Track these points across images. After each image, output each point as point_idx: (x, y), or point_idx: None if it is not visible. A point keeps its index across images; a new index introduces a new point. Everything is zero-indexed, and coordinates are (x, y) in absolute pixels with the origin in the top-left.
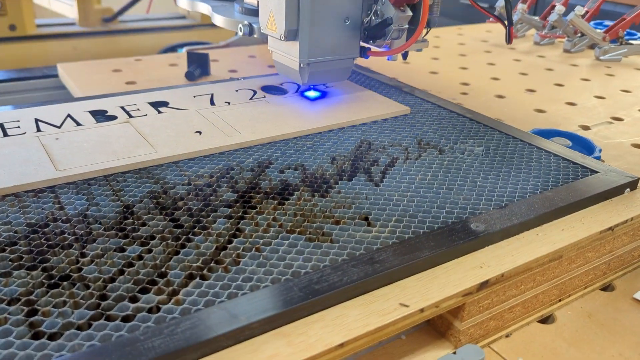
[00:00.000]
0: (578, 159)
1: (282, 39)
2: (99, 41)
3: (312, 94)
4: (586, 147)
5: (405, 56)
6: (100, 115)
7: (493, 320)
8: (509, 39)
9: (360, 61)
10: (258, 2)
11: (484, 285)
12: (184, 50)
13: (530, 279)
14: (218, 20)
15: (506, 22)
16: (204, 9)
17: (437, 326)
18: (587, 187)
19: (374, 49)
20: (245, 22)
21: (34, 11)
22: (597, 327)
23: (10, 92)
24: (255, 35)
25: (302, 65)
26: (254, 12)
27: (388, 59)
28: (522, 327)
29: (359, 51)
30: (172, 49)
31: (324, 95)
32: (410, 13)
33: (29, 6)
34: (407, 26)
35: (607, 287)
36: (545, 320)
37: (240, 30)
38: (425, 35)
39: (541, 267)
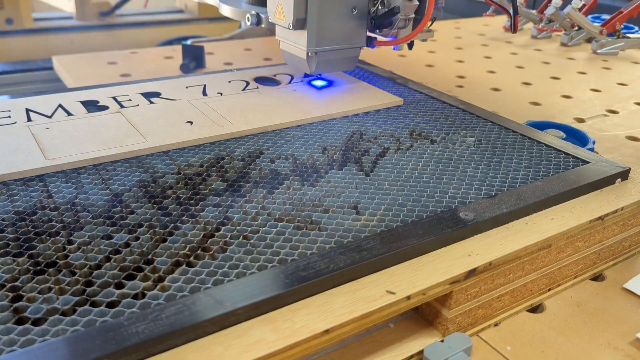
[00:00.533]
0: (570, 150)
1: (290, 28)
2: (96, 35)
3: (319, 82)
4: (580, 139)
5: (410, 46)
6: (92, 106)
7: (481, 309)
8: (514, 28)
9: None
10: None
11: (471, 273)
12: (190, 42)
13: (519, 267)
14: (225, 10)
15: (511, 11)
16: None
17: (425, 314)
18: (577, 176)
19: (380, 38)
20: (253, 12)
21: (32, 5)
22: (587, 316)
23: (4, 84)
24: (262, 25)
25: (309, 54)
26: (261, 2)
27: (394, 49)
28: (511, 316)
29: (366, 40)
30: (170, 42)
31: (330, 84)
32: (416, 2)
33: (26, 0)
34: (413, 15)
35: (597, 277)
36: (535, 309)
37: (248, 20)
38: (430, 25)
39: (530, 256)
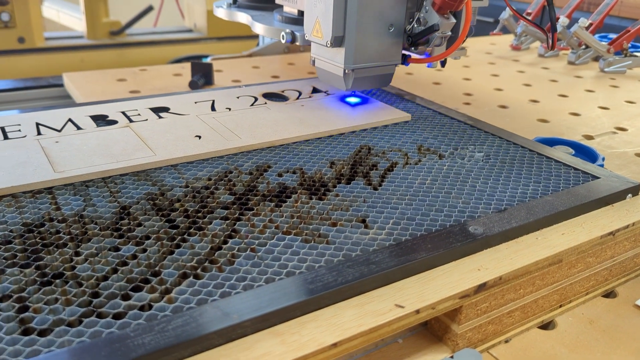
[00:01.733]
0: (580, 165)
1: (328, 46)
2: (106, 53)
3: (352, 100)
4: (589, 155)
5: (443, 63)
6: (101, 120)
7: (492, 324)
8: (552, 45)
9: None
10: (297, 10)
11: (481, 287)
12: (209, 59)
13: (529, 283)
14: (259, 28)
15: (543, 28)
16: (243, 18)
17: (434, 330)
18: (588, 192)
19: (414, 56)
20: (287, 30)
21: (43, 24)
22: (599, 333)
23: (16, 101)
24: (297, 43)
25: (346, 71)
26: (294, 20)
27: (428, 66)
28: (521, 333)
29: (401, 58)
30: (179, 61)
31: (365, 101)
32: (453, 21)
33: (38, 19)
34: (449, 34)
35: (609, 294)
36: (546, 326)
37: (283, 38)
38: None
39: (540, 271)
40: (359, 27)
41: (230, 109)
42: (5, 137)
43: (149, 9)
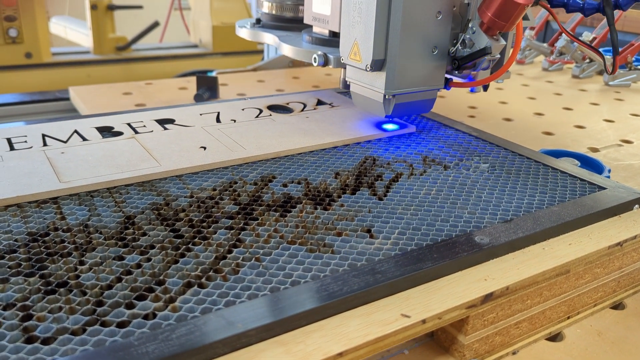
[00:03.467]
0: (586, 176)
1: (368, 70)
2: (112, 68)
3: (390, 126)
4: (595, 167)
5: (486, 88)
6: (107, 132)
7: (499, 335)
8: (613, 69)
9: None
10: (329, 30)
11: (488, 297)
12: (215, 73)
13: (536, 293)
14: (287, 50)
15: (599, 51)
16: (270, 39)
17: (440, 341)
18: (594, 202)
19: (456, 79)
20: (320, 52)
21: (50, 40)
22: (608, 345)
23: (22, 114)
24: (330, 66)
25: (387, 96)
26: (324, 41)
27: (471, 91)
28: (529, 345)
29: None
30: (184, 76)
31: (402, 127)
32: (503, 42)
33: (45, 35)
34: (498, 56)
35: (617, 306)
36: (554, 337)
37: (315, 61)
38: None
39: (548, 282)
40: (402, 49)
41: (235, 121)
42: (12, 148)
43: (155, 24)
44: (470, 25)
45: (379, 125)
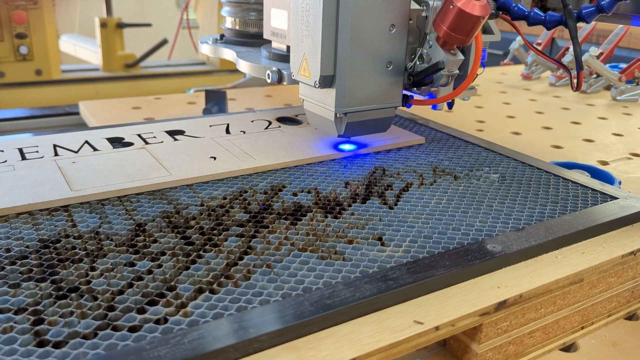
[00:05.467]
0: (597, 186)
1: (317, 86)
2: (121, 85)
3: (347, 147)
4: (605, 179)
5: (450, 105)
6: (117, 142)
7: (512, 344)
8: (577, 85)
9: None
10: (286, 46)
11: (501, 305)
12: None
13: (550, 302)
14: (243, 66)
15: (567, 66)
16: (229, 54)
17: (453, 350)
18: (607, 212)
19: (417, 97)
20: (274, 68)
21: (60, 57)
22: (623, 356)
23: (32, 128)
24: (284, 83)
25: (338, 115)
26: (282, 57)
27: (433, 108)
28: (543, 355)
29: (401, 99)
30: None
31: (361, 147)
32: (461, 57)
33: (55, 52)
34: (457, 72)
35: (631, 316)
36: (568, 348)
37: (268, 77)
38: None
39: (561, 290)
40: (352, 65)
41: (244, 132)
42: (23, 158)
43: (164, 42)
44: (427, 39)
45: (335, 147)
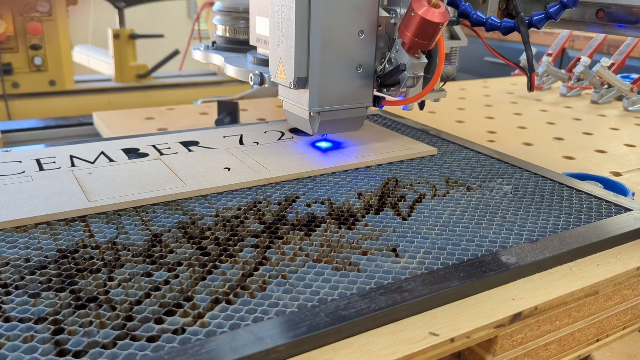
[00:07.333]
0: (611, 198)
1: (292, 87)
2: (133, 95)
3: (323, 144)
4: (619, 191)
5: (421, 106)
6: (133, 153)
7: (528, 357)
8: (530, 86)
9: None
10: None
11: (517, 317)
12: (236, 97)
13: (565, 314)
14: (230, 70)
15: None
16: (217, 60)
17: None
18: (621, 223)
19: (388, 98)
20: (256, 72)
21: (73, 68)
22: None
23: (47, 138)
24: (265, 85)
25: (312, 114)
26: (266, 62)
27: (403, 109)
28: None
29: (373, 100)
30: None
31: (337, 146)
32: (425, 60)
33: (69, 63)
34: (422, 74)
35: None
36: None
37: (251, 80)
38: (442, 85)
39: (577, 302)
40: (324, 67)
41: (257, 143)
42: (41, 169)
43: (175, 53)
44: (395, 44)
45: (313, 144)
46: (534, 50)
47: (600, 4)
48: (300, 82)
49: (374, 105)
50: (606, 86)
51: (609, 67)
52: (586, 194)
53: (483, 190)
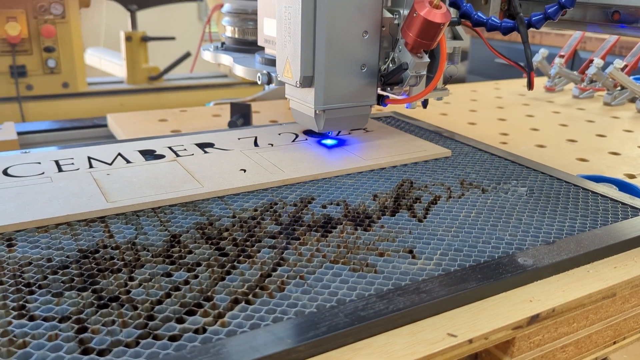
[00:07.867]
0: (627, 200)
1: (298, 86)
2: (144, 97)
3: (329, 142)
4: (633, 192)
5: (425, 104)
6: (149, 155)
7: (544, 359)
8: (529, 85)
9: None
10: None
11: (534, 319)
12: (249, 99)
13: (582, 316)
14: (239, 70)
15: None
16: (226, 60)
17: None
18: (638, 226)
19: (392, 96)
20: (264, 71)
21: (86, 70)
22: None
23: (61, 140)
24: (273, 84)
25: (317, 111)
26: (273, 62)
27: (407, 107)
28: None
29: (377, 98)
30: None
31: (350, 148)
32: (427, 60)
33: (82, 66)
34: (424, 73)
35: None
36: None
37: (259, 79)
38: (445, 84)
39: (594, 305)
40: (328, 67)
41: (272, 145)
42: (60, 170)
43: (187, 55)
44: (398, 44)
45: (319, 142)
46: (545, 52)
47: (616, 5)
48: (306, 81)
49: (378, 104)
50: (619, 88)
51: (622, 69)
52: (602, 196)
53: (498, 192)
